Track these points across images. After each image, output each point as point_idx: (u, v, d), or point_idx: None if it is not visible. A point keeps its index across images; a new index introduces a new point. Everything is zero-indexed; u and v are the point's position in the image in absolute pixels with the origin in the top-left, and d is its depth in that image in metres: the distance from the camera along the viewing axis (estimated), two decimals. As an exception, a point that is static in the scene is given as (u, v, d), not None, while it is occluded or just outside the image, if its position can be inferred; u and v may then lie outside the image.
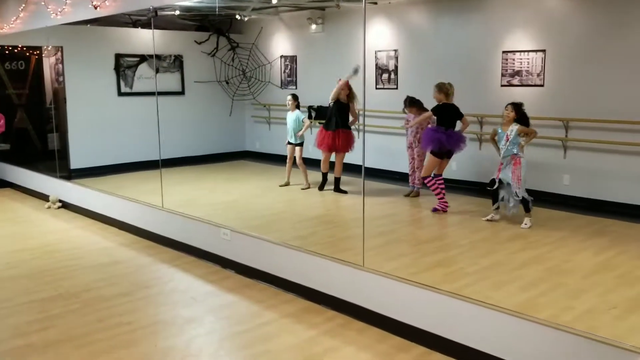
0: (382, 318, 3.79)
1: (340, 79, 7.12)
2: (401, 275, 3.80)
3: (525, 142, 5.65)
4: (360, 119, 7.39)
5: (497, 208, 5.78)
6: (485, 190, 6.01)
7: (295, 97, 7.72)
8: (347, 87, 7.12)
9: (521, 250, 4.93)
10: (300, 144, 7.67)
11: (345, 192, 7.20)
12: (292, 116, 7.68)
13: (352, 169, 7.27)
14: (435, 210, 6.21)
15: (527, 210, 5.57)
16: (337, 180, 7.29)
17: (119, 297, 4.42)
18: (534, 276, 4.27)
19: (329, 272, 4.15)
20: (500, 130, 5.71)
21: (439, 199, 6.24)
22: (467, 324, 3.37)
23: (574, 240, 5.19)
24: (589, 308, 3.70)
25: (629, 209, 6.11)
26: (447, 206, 6.22)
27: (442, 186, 6.29)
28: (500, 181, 5.68)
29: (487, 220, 5.80)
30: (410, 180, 7.22)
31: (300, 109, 7.77)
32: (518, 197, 5.55)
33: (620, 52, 6.12)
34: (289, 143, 7.72)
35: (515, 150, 5.58)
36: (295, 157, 7.67)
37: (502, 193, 5.70)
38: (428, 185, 6.34)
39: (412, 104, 6.91)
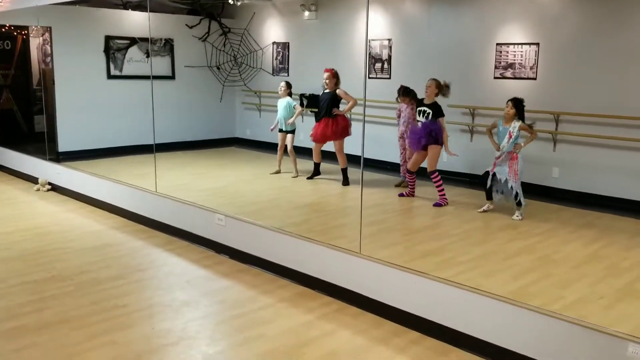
0: (378, 304, 3.84)
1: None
2: (394, 263, 3.85)
3: (525, 144, 5.65)
4: (360, 109, 7.33)
5: (491, 199, 5.86)
6: (477, 181, 6.05)
7: (288, 85, 7.68)
8: (333, 75, 7.12)
9: (512, 241, 5.01)
10: (292, 132, 7.64)
11: (348, 183, 7.13)
12: (282, 102, 7.63)
13: (347, 159, 7.27)
14: (438, 204, 6.17)
15: (519, 204, 5.64)
16: (343, 172, 7.16)
17: (113, 279, 4.42)
18: (525, 266, 4.35)
19: (325, 258, 4.18)
20: (501, 126, 5.69)
21: (440, 194, 6.21)
22: (461, 310, 3.43)
23: (564, 232, 5.29)
24: (579, 297, 3.79)
25: (617, 202, 6.23)
26: (446, 200, 6.21)
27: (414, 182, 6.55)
28: (494, 176, 5.74)
29: (482, 211, 5.87)
30: (401, 171, 7.26)
31: (292, 97, 7.74)
32: (513, 191, 5.59)
33: (613, 47, 6.20)
34: (280, 130, 7.70)
35: (515, 148, 5.61)
36: (286, 145, 7.65)
37: (495, 187, 5.76)
38: (434, 180, 6.22)
39: (406, 93, 6.92)
